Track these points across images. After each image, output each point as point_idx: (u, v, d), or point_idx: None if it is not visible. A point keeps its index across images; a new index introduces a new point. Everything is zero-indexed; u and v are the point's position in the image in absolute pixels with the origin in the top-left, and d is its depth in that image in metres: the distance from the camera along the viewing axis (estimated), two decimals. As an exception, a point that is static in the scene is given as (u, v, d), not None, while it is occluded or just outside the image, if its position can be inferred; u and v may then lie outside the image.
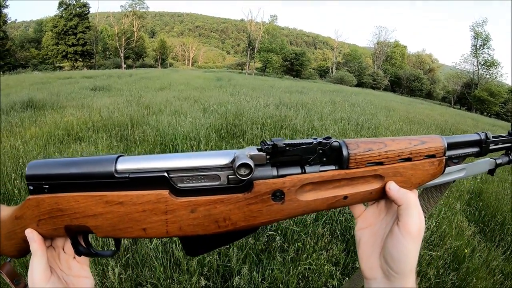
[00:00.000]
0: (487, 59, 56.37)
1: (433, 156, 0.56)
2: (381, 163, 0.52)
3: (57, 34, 59.37)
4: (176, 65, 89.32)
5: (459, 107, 58.30)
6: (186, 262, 2.61)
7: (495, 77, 56.52)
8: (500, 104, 53.29)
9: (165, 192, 0.46)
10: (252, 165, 0.44)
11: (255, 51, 62.36)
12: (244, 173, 0.45)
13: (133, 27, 66.18)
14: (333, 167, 0.51)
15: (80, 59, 61.93)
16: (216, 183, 0.47)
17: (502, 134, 0.70)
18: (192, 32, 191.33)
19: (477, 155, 0.67)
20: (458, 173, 0.67)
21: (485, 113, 51.98)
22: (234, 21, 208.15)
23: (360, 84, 64.85)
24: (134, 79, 22.65)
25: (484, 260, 3.43)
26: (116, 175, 0.46)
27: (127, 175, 0.47)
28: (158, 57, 75.56)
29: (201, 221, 0.47)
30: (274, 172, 0.48)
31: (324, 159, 0.50)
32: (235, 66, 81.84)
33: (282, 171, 0.48)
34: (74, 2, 60.48)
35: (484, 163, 0.71)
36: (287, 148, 0.48)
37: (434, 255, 3.18)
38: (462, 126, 14.01)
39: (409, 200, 0.51)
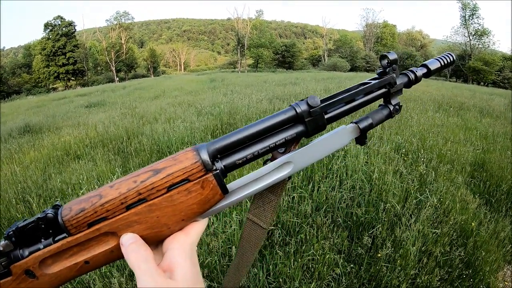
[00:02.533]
0: (478, 28, 55.98)
1: (186, 180, 0.46)
2: (104, 219, 0.46)
3: (46, 56, 59.50)
4: (169, 72, 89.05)
5: (455, 80, 58.05)
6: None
7: (488, 46, 56.14)
8: (496, 72, 52.86)
9: None
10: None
11: (245, 48, 62.20)
12: (3, 263, 0.47)
13: (121, 39, 66.10)
14: (65, 235, 0.48)
15: (72, 78, 62.01)
16: None
17: (336, 93, 0.59)
18: (180, 37, 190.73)
19: (306, 134, 0.54)
20: (283, 169, 0.53)
21: (482, 83, 51.74)
22: (221, 21, 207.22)
23: (353, 69, 64.55)
24: (127, 91, 22.66)
25: (492, 232, 3.39)
26: None
27: None
28: (149, 66, 75.41)
29: None
30: (22, 254, 0.48)
31: (51, 231, 0.48)
32: (228, 66, 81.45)
33: (28, 251, 0.48)
34: (59, 22, 60.49)
35: (336, 135, 0.57)
36: (24, 232, 0.48)
37: (439, 232, 3.14)
38: (460, 99, 13.89)
39: (129, 256, 0.45)
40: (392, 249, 2.89)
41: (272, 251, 2.87)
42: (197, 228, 0.49)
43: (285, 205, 3.35)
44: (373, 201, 3.52)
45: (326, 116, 0.55)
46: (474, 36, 56.49)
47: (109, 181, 4.23)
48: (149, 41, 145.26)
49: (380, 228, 3.13)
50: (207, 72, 60.43)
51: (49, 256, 0.47)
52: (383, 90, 0.63)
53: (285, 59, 66.41)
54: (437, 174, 4.43)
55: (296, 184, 3.74)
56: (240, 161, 0.49)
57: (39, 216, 0.47)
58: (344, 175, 3.99)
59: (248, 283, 2.56)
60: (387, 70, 0.63)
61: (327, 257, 2.78)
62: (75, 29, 62.92)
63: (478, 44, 56.38)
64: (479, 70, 51.49)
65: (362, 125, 0.59)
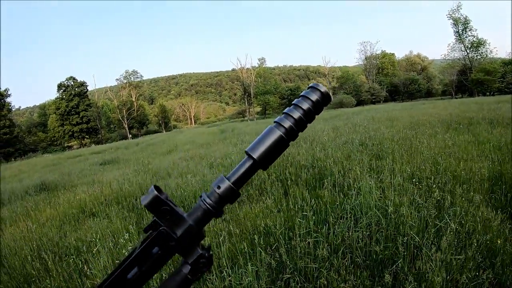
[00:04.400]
0: (473, 40, 56.90)
1: None
2: None
3: (60, 115, 61.57)
4: (180, 126, 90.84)
5: (460, 96, 57.99)
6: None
7: (486, 56, 56.69)
8: (499, 80, 52.93)
9: None
10: None
11: (252, 96, 63.53)
12: None
13: (132, 97, 68.22)
14: None
15: (86, 136, 63.65)
16: None
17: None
18: (188, 91, 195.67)
19: None
20: None
21: (488, 93, 51.65)
22: (226, 72, 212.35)
23: (360, 103, 65.12)
24: (141, 147, 23.08)
25: (520, 246, 3.15)
26: None
27: None
28: (160, 121, 77.09)
29: None
30: None
31: None
32: (237, 115, 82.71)
33: None
34: (72, 83, 62.94)
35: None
36: None
37: (463, 258, 2.95)
38: (468, 114, 13.29)
39: None
40: (416, 283, 2.77)
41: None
42: None
43: (301, 251, 3.29)
44: (391, 236, 3.42)
45: None
46: (471, 49, 57.19)
47: (121, 240, 4.32)
48: (158, 97, 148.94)
49: (401, 263, 3.01)
50: (217, 124, 61.55)
51: None
52: (163, 251, 0.52)
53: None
54: (454, 197, 4.24)
55: (310, 229, 3.68)
56: None
57: None
58: (359, 213, 3.93)
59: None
60: (151, 223, 0.52)
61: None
62: (87, 89, 65.52)
63: (477, 56, 56.99)
64: (483, 81, 51.65)
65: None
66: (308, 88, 0.61)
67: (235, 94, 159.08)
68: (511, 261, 2.96)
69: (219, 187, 0.53)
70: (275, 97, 65.13)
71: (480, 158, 6.28)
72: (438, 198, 4.18)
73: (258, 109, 69.09)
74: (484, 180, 4.93)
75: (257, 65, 69.63)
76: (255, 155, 0.54)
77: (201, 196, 0.54)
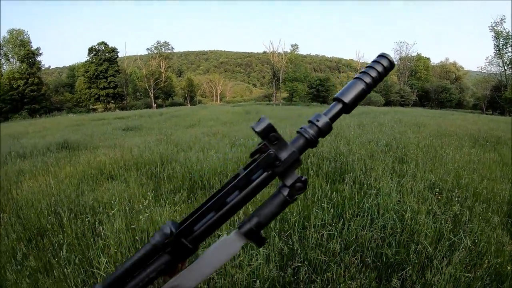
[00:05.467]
0: None
1: None
2: None
3: (89, 78, 62.38)
4: (205, 102, 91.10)
5: (491, 112, 56.32)
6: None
7: None
8: None
9: None
10: None
11: (280, 81, 63.09)
12: None
13: (161, 68, 68.56)
14: None
15: (112, 101, 64.48)
16: None
17: (209, 198, 0.56)
18: (217, 69, 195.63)
19: (176, 262, 0.55)
20: None
21: None
22: (257, 54, 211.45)
23: (388, 103, 64.16)
24: (164, 117, 23.25)
25: (530, 275, 3.15)
26: None
27: None
28: (186, 95, 77.44)
29: None
30: None
31: None
32: (263, 98, 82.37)
33: None
34: (103, 48, 63.59)
35: (218, 250, 0.55)
36: None
37: (471, 277, 2.97)
38: (497, 132, 13.06)
39: None
40: None
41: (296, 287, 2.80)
42: None
43: (313, 242, 3.28)
44: (404, 242, 3.41)
45: (193, 235, 0.53)
46: (509, 66, 54.86)
47: (144, 202, 4.31)
48: (187, 71, 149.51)
49: (410, 271, 3.00)
50: (242, 104, 61.44)
51: None
52: (265, 174, 0.54)
53: (320, 93, 66.75)
54: (472, 214, 4.21)
55: (326, 222, 3.67)
56: None
57: None
58: (376, 213, 3.91)
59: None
60: (261, 147, 0.55)
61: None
62: (117, 55, 66.00)
63: None
64: None
65: (244, 229, 0.54)
66: (378, 56, 0.65)
67: (263, 77, 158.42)
68: None
69: (318, 120, 0.58)
70: (304, 85, 64.46)
71: (503, 179, 6.14)
72: (457, 212, 4.14)
73: (285, 95, 68.46)
74: (503, 202, 4.85)
75: (289, 51, 68.84)
76: (346, 99, 0.60)
77: (301, 128, 0.58)
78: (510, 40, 54.40)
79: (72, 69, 75.64)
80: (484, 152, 8.53)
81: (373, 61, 0.63)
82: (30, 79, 55.03)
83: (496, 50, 56.00)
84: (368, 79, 0.61)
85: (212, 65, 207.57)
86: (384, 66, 0.62)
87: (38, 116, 50.44)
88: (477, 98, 64.63)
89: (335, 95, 0.61)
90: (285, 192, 0.53)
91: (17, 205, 4.87)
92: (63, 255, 3.15)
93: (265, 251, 3.14)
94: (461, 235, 3.53)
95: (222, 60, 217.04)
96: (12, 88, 54.04)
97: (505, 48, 54.99)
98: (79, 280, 2.93)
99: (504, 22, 55.09)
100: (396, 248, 3.29)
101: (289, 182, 0.54)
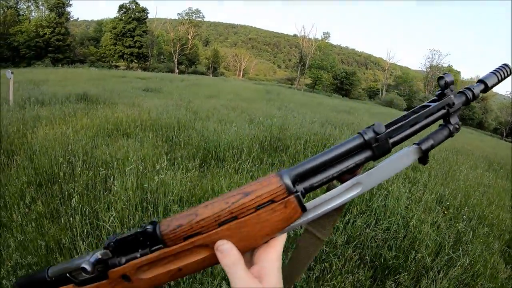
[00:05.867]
0: None
1: (271, 201, 0.52)
2: (198, 234, 0.53)
3: (115, 35, 62.45)
4: (227, 75, 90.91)
5: (511, 140, 55.44)
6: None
7: None
8: None
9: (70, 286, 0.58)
10: (88, 268, 0.52)
11: (306, 67, 62.46)
12: (100, 269, 0.54)
13: (188, 34, 68.28)
14: (161, 246, 0.54)
15: (135, 60, 64.64)
16: (87, 275, 0.55)
17: (399, 117, 0.62)
18: (245, 44, 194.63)
19: (373, 158, 0.57)
20: (353, 189, 0.56)
21: None
22: (287, 36, 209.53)
23: (409, 109, 62.80)
24: (185, 84, 23.26)
25: (517, 308, 3.24)
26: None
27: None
28: (210, 65, 77.27)
29: None
30: (119, 261, 0.55)
31: (148, 242, 0.54)
32: (285, 81, 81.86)
33: (125, 258, 0.55)
34: (134, 6, 63.42)
35: (400, 158, 0.59)
36: (122, 243, 0.54)
37: None
38: None
39: (224, 260, 0.52)
40: None
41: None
42: (280, 242, 0.55)
43: None
44: (404, 248, 3.50)
45: (390, 141, 0.56)
46: None
47: (156, 165, 4.33)
48: (214, 42, 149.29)
49: (406, 276, 3.07)
50: (264, 83, 61.14)
51: (146, 263, 0.54)
52: (442, 111, 0.63)
53: (343, 86, 66.05)
54: (474, 235, 4.29)
55: None
56: (316, 184, 0.54)
57: (138, 231, 0.54)
58: (382, 214, 3.98)
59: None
60: (445, 92, 0.64)
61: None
62: (147, 16, 65.79)
63: None
64: None
65: (424, 146, 0.61)
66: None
67: (289, 60, 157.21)
68: None
69: (473, 88, 0.67)
70: (329, 75, 63.62)
71: (510, 209, 6.18)
72: (461, 229, 4.24)
73: (308, 81, 67.74)
74: (506, 231, 4.96)
75: (320, 38, 67.81)
76: (488, 83, 0.69)
77: (466, 88, 0.66)
78: None
79: (100, 23, 75.75)
80: (496, 178, 8.52)
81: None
82: (57, 29, 55.33)
83: None
84: (501, 72, 0.70)
85: (240, 39, 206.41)
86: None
87: (60, 65, 50.79)
88: (500, 123, 64.01)
89: (480, 77, 0.70)
90: (451, 127, 0.62)
91: (30, 149, 4.89)
92: (73, 203, 3.16)
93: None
94: (460, 253, 3.64)
95: (251, 36, 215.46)
96: (38, 36, 54.33)
97: None
98: (84, 230, 2.95)
99: None
100: (395, 252, 3.40)
101: (453, 121, 0.63)
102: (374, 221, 3.78)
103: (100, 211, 3.24)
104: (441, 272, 3.23)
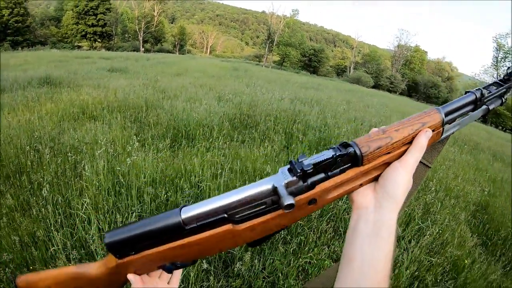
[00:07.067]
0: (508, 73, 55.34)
1: (433, 130, 0.63)
2: (388, 153, 0.60)
3: (77, 13, 59.68)
4: (194, 52, 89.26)
5: None
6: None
7: None
8: None
9: (229, 226, 0.56)
10: (293, 202, 0.52)
11: (274, 44, 62.05)
12: (289, 207, 0.52)
13: (154, 11, 66.18)
14: (349, 165, 0.58)
15: (99, 40, 62.28)
16: (263, 206, 0.56)
17: (494, 84, 0.75)
18: (212, 21, 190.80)
19: (472, 111, 0.72)
20: (454, 127, 0.71)
21: (500, 127, 51.09)
22: (255, 13, 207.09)
23: (376, 86, 64.48)
24: (151, 63, 22.74)
25: (483, 273, 3.43)
26: (186, 227, 0.57)
27: (195, 224, 0.57)
28: (176, 43, 75.52)
29: (260, 233, 0.59)
30: (306, 186, 0.56)
31: (342, 164, 0.57)
32: (253, 58, 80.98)
33: (311, 180, 0.56)
34: (97, -17, 60.71)
35: (477, 112, 0.74)
36: (314, 167, 0.55)
37: (434, 262, 3.20)
38: (476, 138, 13.79)
39: (420, 143, 0.60)
40: None
41: (272, 246, 2.90)
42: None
43: None
44: None
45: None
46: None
47: (127, 146, 4.31)
48: (180, 19, 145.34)
49: None
50: (231, 60, 60.30)
51: (339, 184, 0.58)
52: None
53: (311, 63, 66.26)
54: (442, 206, 4.51)
55: None
56: (452, 119, 0.68)
57: (338, 153, 0.56)
58: None
59: (244, 273, 2.57)
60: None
61: (325, 262, 2.84)
62: (111, -8, 63.15)
63: None
64: (500, 114, 50.91)
65: (491, 106, 0.75)
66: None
67: (257, 37, 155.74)
68: (471, 282, 3.19)
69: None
70: (297, 52, 63.44)
71: (474, 182, 6.55)
72: (428, 201, 4.43)
73: (276, 58, 67.37)
74: (471, 203, 5.25)
75: (288, 15, 67.25)
76: None
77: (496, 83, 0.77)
78: (510, 55, 54.70)
79: (61, 2, 71.90)
80: (461, 153, 8.98)
81: None
82: (15, 9, 51.96)
83: (494, 61, 56.20)
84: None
85: (208, 16, 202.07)
86: None
87: (20, 49, 48.15)
88: None
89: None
90: (503, 99, 0.76)
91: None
92: (44, 193, 3.07)
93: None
94: (429, 223, 3.80)
95: (218, 13, 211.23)
96: (-4, 18, 51.08)
97: (503, 62, 55.34)
98: (58, 220, 2.90)
99: (509, 37, 55.68)
100: None
101: (506, 96, 0.76)
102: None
103: (72, 199, 3.18)
104: (412, 241, 3.42)
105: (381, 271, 0.54)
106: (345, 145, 0.58)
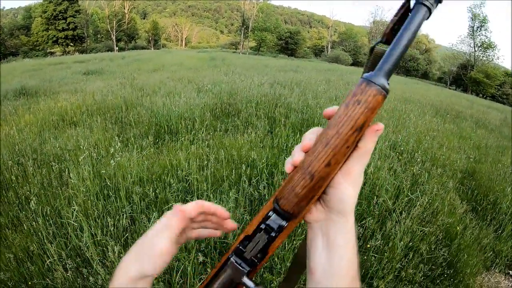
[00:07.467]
0: (484, 41, 55.62)
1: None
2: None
3: (46, 19, 58.14)
4: (169, 46, 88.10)
5: (454, 88, 58.19)
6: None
7: (492, 59, 55.87)
8: (496, 87, 53.17)
9: None
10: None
11: (249, 30, 61.54)
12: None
13: (124, 8, 64.94)
14: (286, 223, 0.55)
15: (71, 44, 60.96)
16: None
17: None
18: (184, 12, 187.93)
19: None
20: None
21: (481, 95, 51.83)
22: (228, 0, 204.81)
23: (355, 63, 64.60)
24: (126, 61, 22.42)
25: (476, 238, 3.51)
26: None
27: None
28: (150, 38, 74.42)
29: None
30: (260, 259, 0.56)
31: (280, 230, 0.55)
32: (229, 46, 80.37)
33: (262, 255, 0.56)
34: (63, -14, 59.13)
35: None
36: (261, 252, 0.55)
37: (426, 231, 3.25)
38: (457, 107, 14.11)
39: (367, 149, 0.49)
40: (382, 241, 2.98)
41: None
42: None
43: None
44: (366, 194, 3.62)
45: None
46: (480, 48, 56.18)
47: (110, 148, 4.26)
48: (152, 13, 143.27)
49: (371, 221, 3.21)
50: (208, 50, 59.75)
51: None
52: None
53: (288, 46, 66.00)
54: (430, 176, 4.58)
55: None
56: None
57: (273, 234, 0.54)
58: None
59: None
60: None
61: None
62: (78, -6, 61.64)
63: (482, 57, 56.16)
64: (480, 82, 51.66)
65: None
66: None
67: (232, 24, 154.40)
68: (465, 248, 3.26)
69: None
70: (273, 36, 63.06)
71: (460, 150, 6.68)
72: (416, 172, 4.50)
73: (253, 44, 66.95)
74: (458, 170, 5.35)
75: (261, 0, 66.72)
76: None
77: None
78: (485, 24, 55.22)
79: (28, 9, 70.32)
80: (444, 123, 9.13)
81: None
82: (-18, 22, 50.68)
83: (470, 31, 56.78)
84: None
85: (179, 8, 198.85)
86: None
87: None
88: (443, 72, 66.56)
89: None
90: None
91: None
92: (32, 206, 3.01)
93: (235, 195, 3.25)
94: (418, 193, 3.85)
95: (190, 4, 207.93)
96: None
97: (479, 31, 55.86)
98: (50, 232, 2.87)
99: (483, 6, 56.01)
100: (358, 200, 3.46)
101: None
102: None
103: (61, 208, 3.16)
104: (403, 212, 3.44)
105: (345, 276, 0.52)
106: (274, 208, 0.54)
